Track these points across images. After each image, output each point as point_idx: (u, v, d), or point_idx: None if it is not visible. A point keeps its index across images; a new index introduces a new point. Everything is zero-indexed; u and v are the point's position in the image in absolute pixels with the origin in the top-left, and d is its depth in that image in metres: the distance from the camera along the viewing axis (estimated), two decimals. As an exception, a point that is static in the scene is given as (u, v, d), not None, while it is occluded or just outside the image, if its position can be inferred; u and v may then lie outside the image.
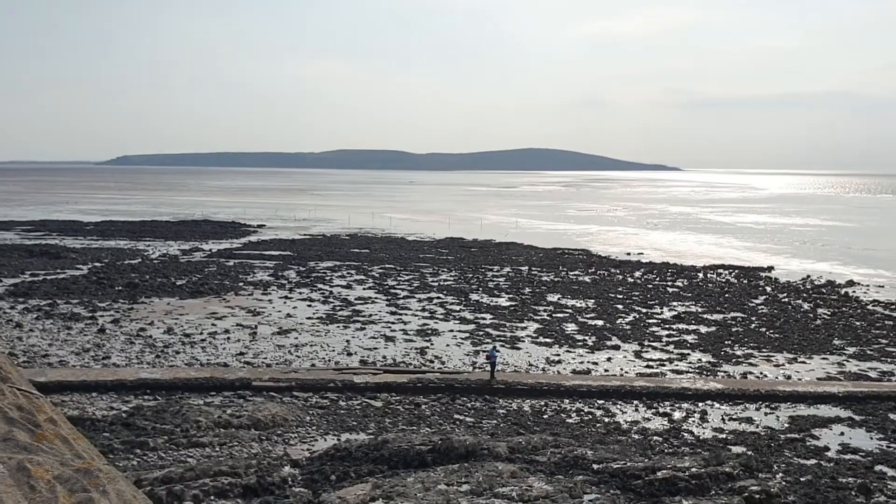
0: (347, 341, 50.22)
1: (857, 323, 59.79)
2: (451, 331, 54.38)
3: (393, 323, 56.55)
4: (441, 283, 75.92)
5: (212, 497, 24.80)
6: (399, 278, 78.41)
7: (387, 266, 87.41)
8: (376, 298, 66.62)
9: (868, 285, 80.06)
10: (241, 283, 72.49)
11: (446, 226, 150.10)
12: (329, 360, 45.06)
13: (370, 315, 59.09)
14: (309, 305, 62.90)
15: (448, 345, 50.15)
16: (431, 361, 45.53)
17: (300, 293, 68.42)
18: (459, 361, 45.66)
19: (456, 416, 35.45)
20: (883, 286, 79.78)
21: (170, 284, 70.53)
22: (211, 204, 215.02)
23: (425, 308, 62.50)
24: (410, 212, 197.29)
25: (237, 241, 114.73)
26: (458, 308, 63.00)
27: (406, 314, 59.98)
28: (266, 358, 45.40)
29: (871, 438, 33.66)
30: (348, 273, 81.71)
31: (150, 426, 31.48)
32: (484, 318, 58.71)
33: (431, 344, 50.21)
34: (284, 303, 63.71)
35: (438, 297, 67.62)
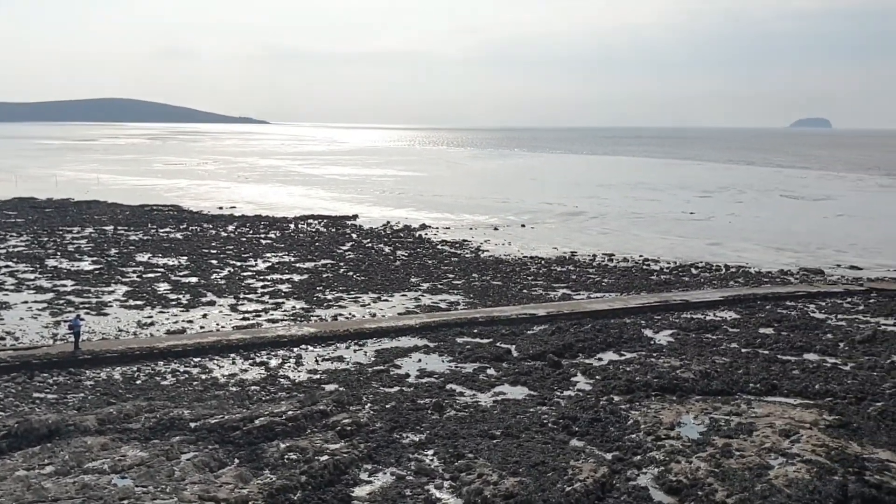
0: None
1: (430, 261, 66.80)
2: (26, 302, 48.87)
3: (-52, 299, 48.98)
4: (10, 250, 67.51)
5: None
6: (-47, 247, 67.82)
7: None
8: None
9: (438, 227, 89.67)
10: None
11: (13, 185, 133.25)
12: None
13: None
14: None
15: (22, 318, 45.04)
16: (2, 338, 40.53)
17: None
18: (37, 335, 41.33)
19: (36, 394, 32.18)
20: (449, 227, 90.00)
21: None
22: None
23: (-10, 279, 55.16)
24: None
25: None
26: (32, 276, 56.70)
27: (-35, 288, 52.32)
28: None
29: (443, 361, 38.18)
30: None
31: None
32: (65, 285, 53.71)
33: (1, 319, 44.66)
34: None
35: (7, 266, 60.11)
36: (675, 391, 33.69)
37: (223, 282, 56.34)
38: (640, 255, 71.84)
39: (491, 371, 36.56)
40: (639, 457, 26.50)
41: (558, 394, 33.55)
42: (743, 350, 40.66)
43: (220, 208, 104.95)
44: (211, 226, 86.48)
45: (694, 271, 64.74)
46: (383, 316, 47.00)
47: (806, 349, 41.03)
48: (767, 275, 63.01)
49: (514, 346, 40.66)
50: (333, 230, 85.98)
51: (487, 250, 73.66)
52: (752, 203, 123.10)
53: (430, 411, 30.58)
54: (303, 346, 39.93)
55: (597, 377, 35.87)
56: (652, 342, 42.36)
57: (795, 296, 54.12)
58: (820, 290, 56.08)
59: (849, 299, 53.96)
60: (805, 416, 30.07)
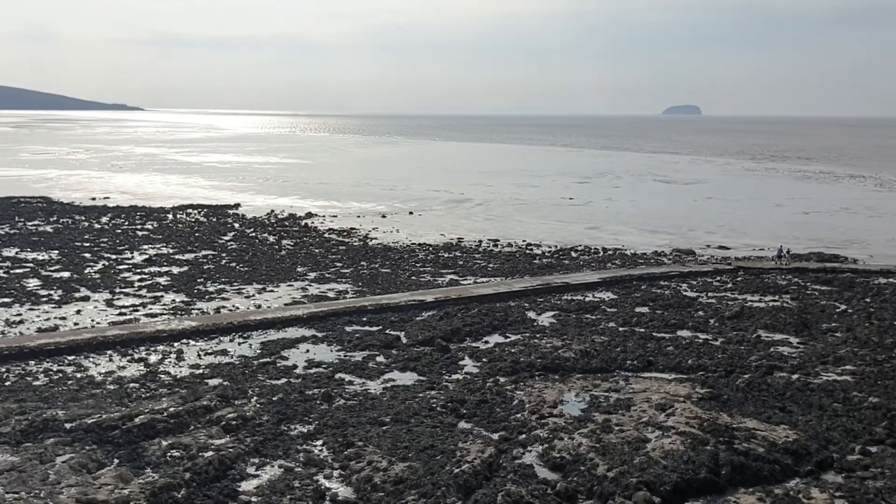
0: None
1: (317, 250, 66.09)
2: None
3: None
4: None
5: None
6: None
7: None
8: None
9: (324, 216, 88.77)
10: None
11: None
12: None
13: None
14: None
15: None
16: None
17: None
18: None
19: None
20: (336, 216, 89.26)
21: None
22: None
23: None
24: None
25: None
26: None
27: None
28: None
29: (332, 351, 37.94)
30: None
31: None
32: (-82, 284, 50.07)
33: None
34: None
35: None
36: (558, 370, 34.75)
37: (97, 276, 53.91)
38: (524, 240, 73.46)
39: (380, 358, 36.63)
40: (524, 435, 27.24)
41: (447, 378, 33.99)
42: (620, 329, 42.33)
43: (93, 199, 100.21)
44: (83, 217, 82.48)
45: (574, 254, 66.76)
46: (269, 307, 46.20)
47: (679, 326, 43.12)
48: (642, 256, 65.71)
49: (403, 333, 40.85)
50: (214, 220, 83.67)
51: (375, 238, 73.55)
52: (628, 188, 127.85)
53: (318, 402, 30.37)
54: (184, 341, 38.74)
55: (483, 360, 36.55)
56: (535, 324, 43.49)
57: (669, 276, 56.73)
58: (691, 269, 59.01)
59: (718, 278, 57.01)
60: (679, 390, 31.65)
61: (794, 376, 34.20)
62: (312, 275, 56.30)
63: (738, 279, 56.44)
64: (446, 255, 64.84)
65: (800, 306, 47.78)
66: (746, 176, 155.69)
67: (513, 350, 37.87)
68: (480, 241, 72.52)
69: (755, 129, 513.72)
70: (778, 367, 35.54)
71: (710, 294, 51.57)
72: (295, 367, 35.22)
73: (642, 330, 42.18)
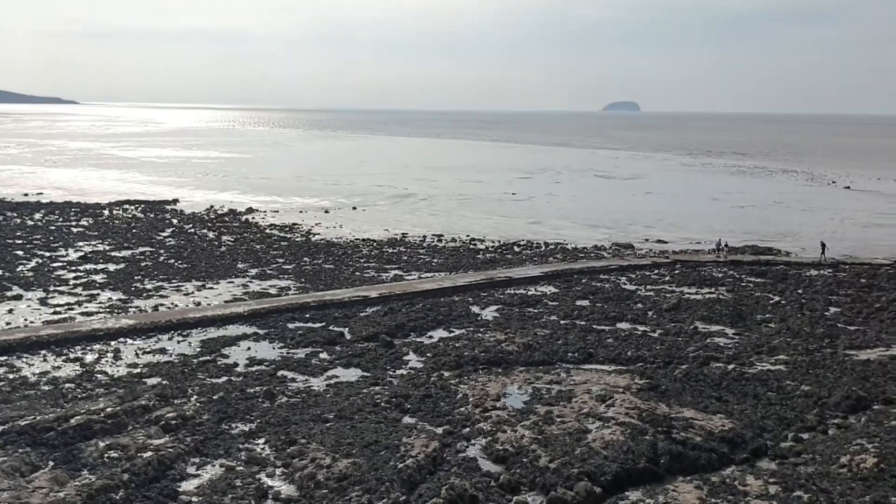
0: None
1: (258, 246, 65.27)
2: None
3: None
4: None
5: None
6: None
7: None
8: None
9: (265, 211, 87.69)
10: None
11: None
12: None
13: None
14: None
15: None
16: None
17: None
18: None
19: None
20: (278, 211, 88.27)
21: None
22: None
23: None
24: None
25: None
26: None
27: None
28: None
29: (274, 348, 37.54)
30: None
31: None
32: None
33: None
34: None
35: None
36: (501, 364, 35.05)
37: (30, 274, 52.32)
38: (468, 235, 73.76)
39: (324, 355, 36.41)
40: (468, 429, 27.43)
41: (391, 373, 33.98)
42: (562, 322, 42.87)
43: (26, 195, 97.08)
44: (15, 214, 79.87)
45: (517, 249, 67.32)
46: (209, 304, 45.48)
47: (619, 319, 43.87)
48: (583, 250, 66.62)
49: (346, 329, 40.67)
50: (152, 216, 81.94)
51: (318, 233, 72.97)
52: (569, 183, 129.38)
53: (260, 399, 30.06)
54: (121, 340, 37.88)
55: (428, 355, 36.64)
56: (479, 318, 43.75)
57: (609, 269, 57.64)
58: (630, 263, 60.06)
59: (656, 271, 58.14)
60: (619, 382, 32.22)
61: (730, 366, 35.12)
62: (253, 271, 55.59)
63: (676, 272, 57.66)
64: (390, 251, 64.72)
65: (735, 298, 49.04)
66: (684, 171, 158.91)
67: (457, 344, 38.04)
68: (425, 237, 72.57)
69: (693, 126, 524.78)
70: (714, 357, 36.46)
71: (648, 287, 52.58)
72: (236, 365, 34.76)
73: (583, 323, 42.79)
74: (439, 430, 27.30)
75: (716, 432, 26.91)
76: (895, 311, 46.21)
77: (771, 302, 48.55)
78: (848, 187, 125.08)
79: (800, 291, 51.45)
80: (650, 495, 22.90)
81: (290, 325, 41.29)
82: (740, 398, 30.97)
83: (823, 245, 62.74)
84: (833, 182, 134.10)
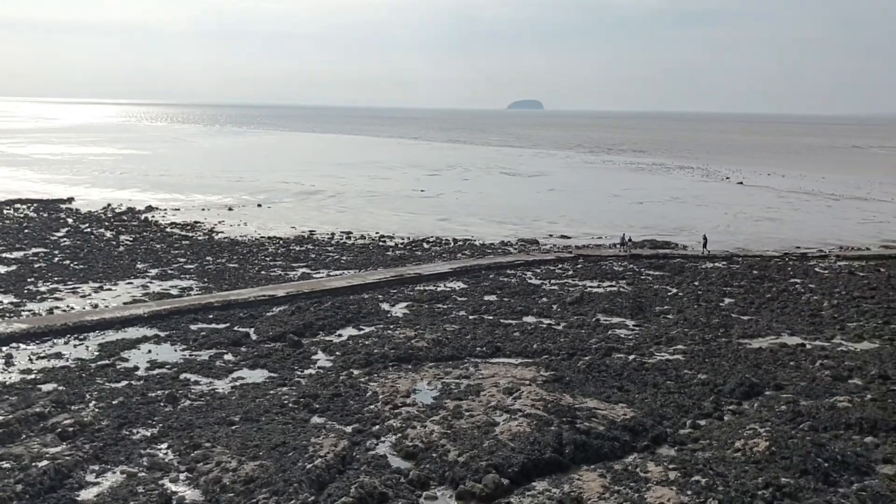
0: None
1: (158, 245, 63.33)
2: None
3: None
4: None
5: None
6: None
7: None
8: None
9: (166, 209, 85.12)
10: None
11: None
12: None
13: None
14: None
15: None
16: None
17: None
18: None
19: None
20: (179, 209, 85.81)
21: None
22: None
23: None
24: None
25: None
26: None
27: None
28: None
29: (176, 351, 36.52)
30: None
31: None
32: None
33: None
34: None
35: None
36: (411, 360, 35.18)
37: None
38: (377, 232, 73.58)
39: (228, 356, 35.67)
40: (377, 426, 27.42)
41: (299, 373, 33.61)
42: (470, 317, 43.34)
43: None
44: None
45: (426, 245, 67.59)
46: (107, 306, 43.85)
47: (525, 313, 44.68)
48: (490, 246, 67.46)
49: (252, 330, 39.96)
50: (45, 215, 78.32)
51: (222, 231, 71.35)
52: (476, 180, 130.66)
53: (162, 403, 29.23)
54: (13, 345, 36.13)
55: (337, 353, 36.40)
56: (389, 315, 43.76)
57: (515, 264, 58.59)
58: (536, 258, 61.22)
59: (560, 265, 59.45)
60: (525, 374, 32.84)
61: (631, 357, 36.29)
62: (154, 271, 53.93)
63: (579, 266, 59.10)
64: (298, 249, 63.91)
65: (635, 291, 50.67)
66: (585, 168, 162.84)
67: (366, 342, 37.94)
68: (333, 234, 71.97)
69: (594, 124, 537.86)
70: (616, 348, 37.60)
71: (553, 281, 53.71)
72: (136, 368, 33.66)
73: (491, 317, 43.37)
74: (349, 429, 27.20)
75: (618, 421, 27.77)
76: (785, 300, 48.70)
77: (669, 294, 50.37)
78: (741, 183, 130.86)
79: (696, 283, 53.55)
80: (556, 485, 23.46)
81: (193, 327, 40.25)
82: (641, 387, 32.04)
83: (705, 238, 66.24)
84: (727, 178, 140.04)
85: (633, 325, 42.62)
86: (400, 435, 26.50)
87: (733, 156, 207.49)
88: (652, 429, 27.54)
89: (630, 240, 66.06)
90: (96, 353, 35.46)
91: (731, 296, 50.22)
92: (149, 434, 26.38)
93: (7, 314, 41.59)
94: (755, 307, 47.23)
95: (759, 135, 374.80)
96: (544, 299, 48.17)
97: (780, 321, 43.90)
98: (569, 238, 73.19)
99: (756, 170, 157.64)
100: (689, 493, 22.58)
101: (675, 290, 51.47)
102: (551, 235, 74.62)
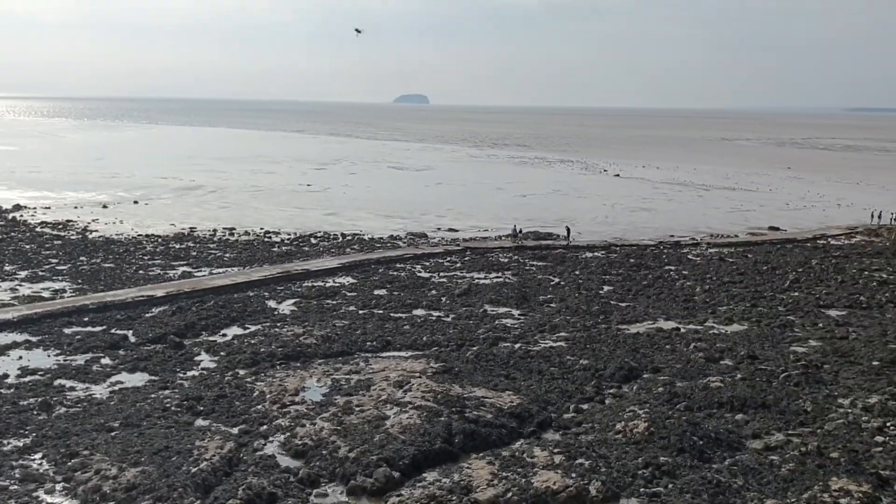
0: None
1: (28, 246, 59.98)
2: None
3: None
4: None
5: None
6: None
7: None
8: None
9: (36, 208, 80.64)
10: None
11: None
12: None
13: None
14: None
15: None
16: None
17: None
18: None
19: None
20: (50, 207, 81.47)
21: None
22: None
23: None
24: None
25: None
26: None
27: None
28: None
29: (49, 356, 34.79)
30: None
31: None
32: None
33: None
34: None
35: None
36: (300, 357, 34.80)
37: None
38: (262, 228, 72.16)
39: (106, 360, 34.25)
40: (265, 426, 27.01)
41: (181, 375, 32.66)
42: (360, 312, 43.26)
43: None
44: None
45: (314, 241, 66.84)
46: (-29, 312, 41.23)
47: (414, 306, 44.97)
48: (380, 240, 67.41)
49: (131, 332, 38.48)
50: None
51: (96, 230, 68.23)
52: (364, 174, 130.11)
53: (35, 412, 27.80)
54: None
55: (221, 353, 35.58)
56: (276, 312, 43.08)
57: (404, 258, 58.81)
58: (424, 251, 61.64)
59: (448, 258, 60.11)
60: (415, 367, 33.08)
61: (517, 345, 37.18)
62: (23, 273, 51.07)
63: (466, 259, 59.94)
64: (178, 247, 61.91)
65: (520, 281, 51.87)
66: (471, 162, 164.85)
67: (252, 341, 37.24)
68: (215, 230, 70.07)
69: (480, 119, 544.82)
70: (502, 338, 38.43)
71: (441, 274, 54.27)
72: (6, 376, 31.82)
73: (381, 311, 43.41)
74: (235, 430, 26.66)
75: (505, 408, 28.41)
76: (660, 287, 50.99)
77: (552, 283, 51.81)
78: (618, 175, 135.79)
79: (577, 273, 55.29)
80: (446, 474, 23.78)
81: (67, 331, 38.40)
82: (526, 375, 32.87)
83: (568, 229, 69.15)
84: (605, 170, 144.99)
85: (519, 315, 43.62)
86: (289, 434, 26.20)
87: (612, 149, 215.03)
88: (538, 414, 28.32)
89: (521, 231, 67.53)
90: (-40, 362, 33.31)
91: (609, 283, 52.14)
92: (21, 444, 25.05)
93: None
94: (633, 294, 49.22)
95: (639, 129, 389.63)
96: (433, 292, 48.59)
97: (656, 307, 45.94)
98: (456, 231, 74.01)
99: (632, 162, 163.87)
100: (573, 475, 23.36)
101: (557, 280, 52.97)
102: (439, 229, 75.24)
